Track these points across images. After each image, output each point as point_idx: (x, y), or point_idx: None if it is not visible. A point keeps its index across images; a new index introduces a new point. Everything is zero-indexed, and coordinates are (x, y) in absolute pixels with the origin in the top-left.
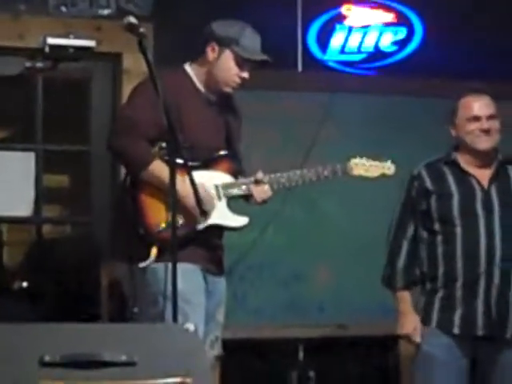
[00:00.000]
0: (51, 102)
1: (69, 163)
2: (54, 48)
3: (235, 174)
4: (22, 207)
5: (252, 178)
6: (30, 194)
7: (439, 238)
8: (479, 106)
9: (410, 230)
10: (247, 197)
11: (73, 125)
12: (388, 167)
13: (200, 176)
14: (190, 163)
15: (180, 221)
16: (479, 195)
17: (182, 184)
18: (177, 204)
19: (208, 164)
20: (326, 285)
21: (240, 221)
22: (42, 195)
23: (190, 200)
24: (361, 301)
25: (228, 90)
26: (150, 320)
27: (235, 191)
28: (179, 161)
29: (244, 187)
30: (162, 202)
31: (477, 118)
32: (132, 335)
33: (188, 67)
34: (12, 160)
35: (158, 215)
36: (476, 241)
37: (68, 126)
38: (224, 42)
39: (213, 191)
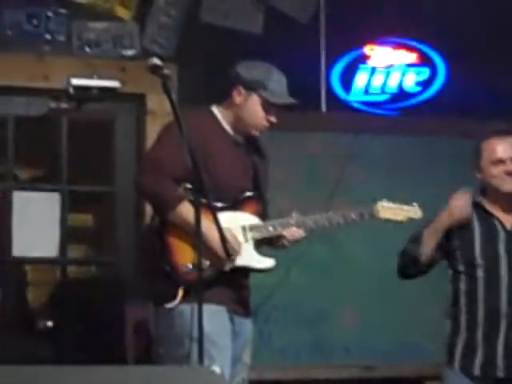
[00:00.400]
0: (76, 142)
1: (93, 203)
2: (78, 89)
3: (262, 215)
4: (48, 248)
5: (282, 219)
6: (55, 234)
7: (462, 278)
8: (503, 148)
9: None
10: (272, 241)
11: (97, 165)
12: (415, 211)
13: (227, 217)
14: (216, 204)
15: (207, 262)
16: (502, 237)
17: (208, 226)
18: (202, 245)
19: (235, 205)
20: (352, 326)
21: (267, 263)
22: (67, 235)
23: (216, 242)
24: (387, 342)
25: (256, 133)
26: (176, 362)
27: (262, 233)
28: (205, 201)
29: (271, 228)
30: (189, 242)
31: (501, 161)
32: (158, 378)
33: (215, 109)
34: (37, 201)
35: (185, 256)
36: (497, 282)
37: (92, 166)
38: (251, 86)
39: (239, 233)
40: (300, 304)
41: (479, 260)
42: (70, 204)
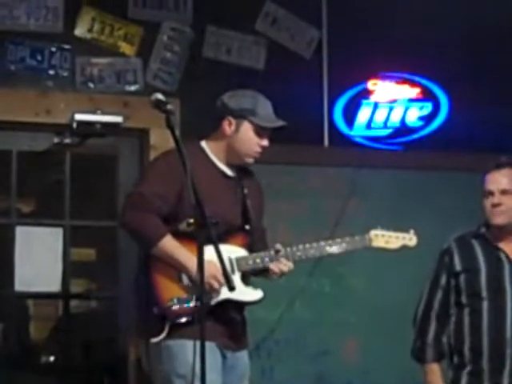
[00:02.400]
0: (79, 177)
1: (96, 238)
2: (82, 124)
3: (250, 248)
4: (50, 282)
5: (270, 251)
6: (58, 268)
7: (466, 310)
8: (494, 179)
9: (439, 304)
10: (265, 272)
11: (100, 200)
12: (410, 238)
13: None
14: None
15: (193, 297)
16: (507, 269)
17: (189, 258)
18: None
19: (222, 237)
20: (354, 360)
21: (254, 295)
22: (70, 270)
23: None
24: (389, 376)
25: (250, 160)
26: None
27: (249, 265)
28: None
29: (258, 260)
30: (174, 277)
31: (491, 193)
32: None
33: (204, 143)
34: (40, 235)
35: (169, 291)
36: (503, 314)
37: (95, 201)
38: (240, 114)
39: (226, 265)
40: (302, 338)
41: (484, 293)
42: (73, 238)
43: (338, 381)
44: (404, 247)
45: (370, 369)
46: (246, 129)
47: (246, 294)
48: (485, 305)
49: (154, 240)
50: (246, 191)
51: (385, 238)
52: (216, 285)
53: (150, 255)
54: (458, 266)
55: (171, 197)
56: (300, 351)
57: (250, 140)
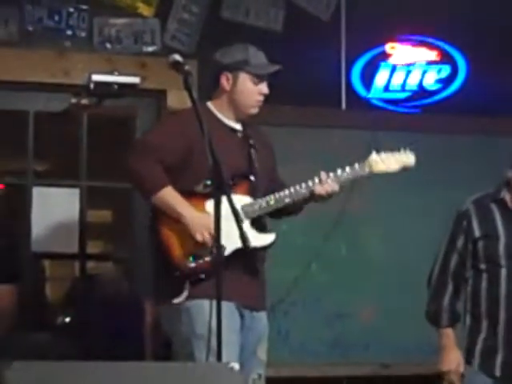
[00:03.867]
0: (96, 138)
1: (112, 199)
2: (99, 85)
3: (254, 195)
4: (66, 243)
5: (273, 195)
6: (74, 230)
7: (484, 276)
8: None
9: (455, 267)
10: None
11: (117, 162)
12: (407, 156)
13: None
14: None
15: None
16: None
17: (191, 215)
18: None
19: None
20: (371, 323)
21: (266, 239)
22: (86, 231)
23: (196, 230)
24: (405, 339)
25: (253, 111)
26: (183, 359)
27: (256, 211)
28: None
29: (264, 204)
30: (183, 233)
31: None
32: (176, 374)
33: (209, 103)
34: (56, 196)
35: (182, 248)
36: None
37: (112, 162)
38: (235, 67)
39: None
40: (318, 300)
41: (503, 260)
42: (89, 200)
43: (355, 344)
44: (404, 169)
45: (387, 332)
46: (244, 79)
47: (257, 239)
48: (503, 272)
49: (155, 188)
50: (251, 142)
51: (385, 163)
52: (207, 236)
53: (158, 215)
54: (476, 232)
55: (178, 149)
56: (316, 314)
57: (248, 90)
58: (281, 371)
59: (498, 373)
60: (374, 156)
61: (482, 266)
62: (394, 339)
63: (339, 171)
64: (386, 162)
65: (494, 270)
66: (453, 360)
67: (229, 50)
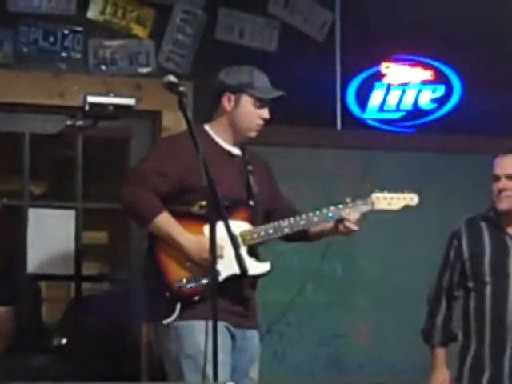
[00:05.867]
0: (91, 159)
1: (108, 221)
2: (94, 106)
3: (254, 223)
4: (62, 265)
5: (272, 224)
6: (70, 251)
7: (472, 295)
8: (503, 164)
9: (448, 286)
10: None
11: (112, 183)
12: (411, 198)
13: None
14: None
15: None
16: None
17: (187, 238)
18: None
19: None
20: (366, 343)
21: (260, 267)
22: (82, 253)
23: (195, 254)
24: (400, 359)
25: (252, 134)
26: (174, 379)
27: (255, 239)
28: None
29: (263, 233)
30: (179, 256)
31: (498, 178)
32: None
33: (207, 126)
34: (52, 217)
35: (177, 271)
36: (505, 300)
37: (107, 183)
38: (239, 89)
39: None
40: (314, 321)
41: (488, 277)
42: (85, 221)
43: (350, 364)
44: (406, 207)
45: (382, 352)
46: (246, 102)
47: (252, 267)
48: (488, 289)
49: (149, 216)
50: (250, 168)
51: (387, 200)
52: (205, 258)
53: (155, 239)
54: (465, 253)
55: (172, 174)
56: (312, 334)
57: (250, 113)
58: None
59: None
60: (377, 194)
61: (470, 285)
62: (389, 359)
63: (341, 206)
64: (389, 200)
65: (480, 287)
66: (439, 380)
67: (232, 70)
